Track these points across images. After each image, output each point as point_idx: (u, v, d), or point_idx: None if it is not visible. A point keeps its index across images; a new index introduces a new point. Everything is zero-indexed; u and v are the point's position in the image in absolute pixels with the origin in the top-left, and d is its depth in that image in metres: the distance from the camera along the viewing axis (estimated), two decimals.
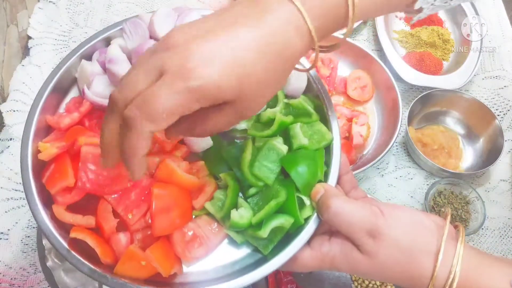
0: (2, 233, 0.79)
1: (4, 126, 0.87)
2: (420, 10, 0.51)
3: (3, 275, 0.76)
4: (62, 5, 1.03)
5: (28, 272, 0.76)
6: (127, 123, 0.37)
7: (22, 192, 0.53)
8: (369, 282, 0.77)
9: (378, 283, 0.77)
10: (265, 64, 0.40)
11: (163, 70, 0.37)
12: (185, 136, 0.51)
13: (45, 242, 0.70)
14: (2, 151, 0.85)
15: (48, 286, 0.69)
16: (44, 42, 0.98)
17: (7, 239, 0.78)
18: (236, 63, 0.38)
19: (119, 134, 0.39)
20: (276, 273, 0.74)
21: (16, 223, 0.80)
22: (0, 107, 0.87)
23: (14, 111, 0.88)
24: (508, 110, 0.98)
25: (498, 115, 0.97)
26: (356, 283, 0.77)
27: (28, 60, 0.95)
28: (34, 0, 1.01)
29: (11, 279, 0.75)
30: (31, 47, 0.97)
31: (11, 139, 0.86)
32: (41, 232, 0.49)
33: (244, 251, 0.54)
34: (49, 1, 1.02)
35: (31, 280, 0.76)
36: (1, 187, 0.82)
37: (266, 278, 0.73)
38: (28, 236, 0.79)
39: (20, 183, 0.52)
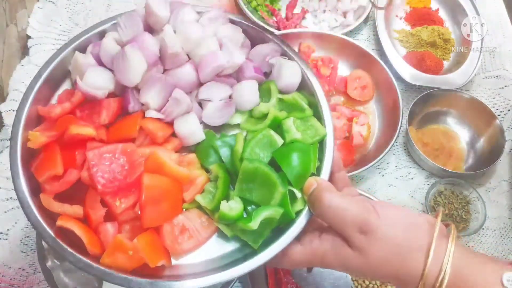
0: (1, 233, 0.79)
1: (4, 126, 0.86)
2: None
3: (3, 275, 0.75)
4: (62, 4, 1.03)
5: (28, 272, 0.76)
6: None
7: None
8: (370, 282, 0.77)
9: (378, 283, 0.77)
10: None
11: None
12: None
13: (44, 242, 0.69)
14: (2, 151, 0.85)
15: (48, 286, 0.69)
16: (44, 42, 0.98)
17: (6, 239, 0.78)
18: None
19: None
20: (276, 273, 0.74)
21: (16, 223, 0.79)
22: None
23: (13, 110, 0.88)
24: (509, 110, 0.98)
25: (498, 115, 0.97)
26: (356, 283, 0.77)
27: (27, 59, 0.95)
28: None
29: (11, 279, 0.75)
30: (31, 47, 0.96)
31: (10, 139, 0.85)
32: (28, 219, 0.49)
33: (234, 245, 0.54)
34: (49, 1, 1.02)
35: (31, 280, 0.76)
36: (0, 187, 0.82)
37: (266, 278, 0.72)
38: (28, 236, 0.79)
39: None
